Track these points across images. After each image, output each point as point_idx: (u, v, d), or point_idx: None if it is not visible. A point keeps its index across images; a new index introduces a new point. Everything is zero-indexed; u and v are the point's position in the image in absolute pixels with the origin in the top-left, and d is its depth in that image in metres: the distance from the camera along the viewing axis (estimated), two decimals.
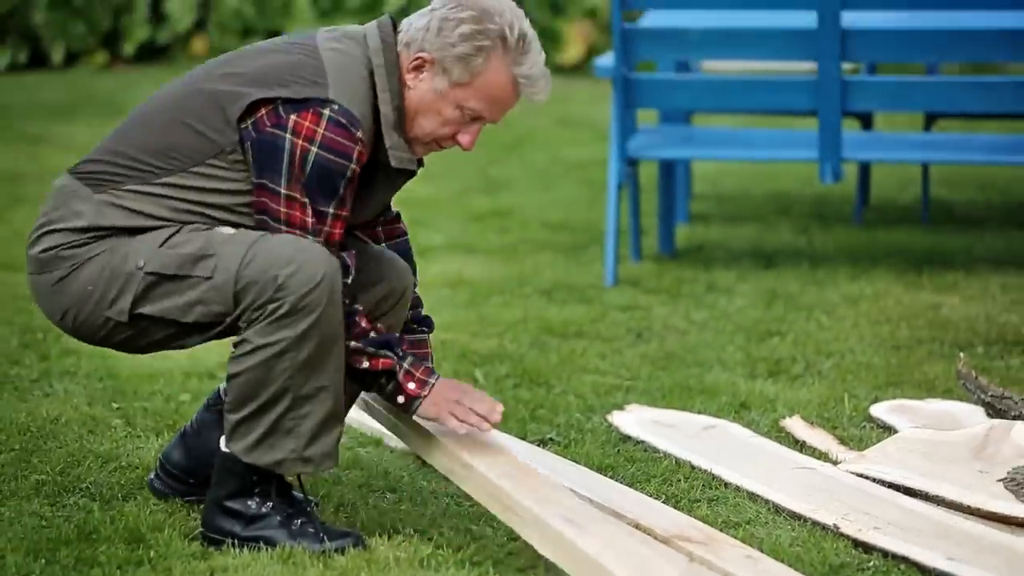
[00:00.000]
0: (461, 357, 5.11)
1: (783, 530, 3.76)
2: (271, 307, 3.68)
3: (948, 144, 6.86)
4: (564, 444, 4.38)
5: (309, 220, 3.69)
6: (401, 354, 3.75)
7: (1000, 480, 3.94)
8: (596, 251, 6.50)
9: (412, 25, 3.71)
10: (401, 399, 3.75)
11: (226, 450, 3.73)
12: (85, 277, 3.82)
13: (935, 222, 7.15)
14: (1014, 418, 4.35)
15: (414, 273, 4.04)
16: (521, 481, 3.62)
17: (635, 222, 6.58)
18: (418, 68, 3.70)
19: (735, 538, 3.68)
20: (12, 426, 4.46)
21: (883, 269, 6.24)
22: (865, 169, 7.27)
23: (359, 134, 3.62)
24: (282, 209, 3.68)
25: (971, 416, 4.46)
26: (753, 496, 4.01)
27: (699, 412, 4.61)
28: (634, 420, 4.50)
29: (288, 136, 3.60)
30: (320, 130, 3.62)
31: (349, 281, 3.75)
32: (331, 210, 3.67)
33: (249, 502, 3.72)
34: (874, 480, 4.05)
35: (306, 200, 3.67)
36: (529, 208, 7.46)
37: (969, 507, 3.86)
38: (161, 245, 3.77)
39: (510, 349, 5.19)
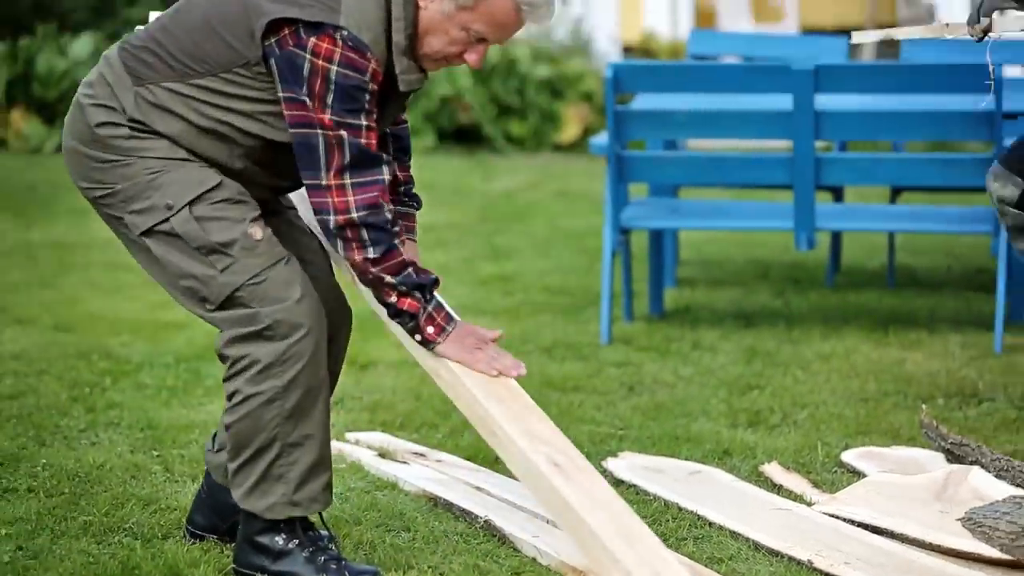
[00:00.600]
0: None
1: (762, 565, 3.76)
2: (251, 334, 3.67)
3: (912, 215, 6.88)
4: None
5: (344, 131, 3.62)
6: (428, 298, 3.77)
7: (959, 520, 3.94)
8: (592, 312, 6.51)
9: None
10: (418, 338, 3.79)
11: None
12: (125, 173, 3.75)
13: (900, 286, 7.16)
14: (971, 463, 4.36)
15: (408, 155, 4.09)
16: (510, 407, 3.68)
17: (627, 286, 6.59)
18: None
19: (719, 572, 3.68)
20: (62, 472, 4.46)
21: (853, 328, 6.25)
22: (836, 237, 7.28)
23: (369, 54, 3.58)
24: (315, 116, 3.62)
25: (933, 462, 4.47)
26: (735, 535, 4.01)
27: (686, 459, 4.61)
28: (626, 466, 4.50)
29: (308, 56, 3.56)
30: (337, 51, 3.57)
31: (388, 177, 3.70)
32: (363, 122, 3.63)
33: (276, 538, 3.70)
34: (845, 520, 4.05)
35: (335, 117, 3.63)
36: (531, 273, 7.47)
37: (931, 544, 3.86)
38: (195, 201, 3.72)
39: None
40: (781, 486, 4.37)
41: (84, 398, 5.24)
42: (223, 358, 3.75)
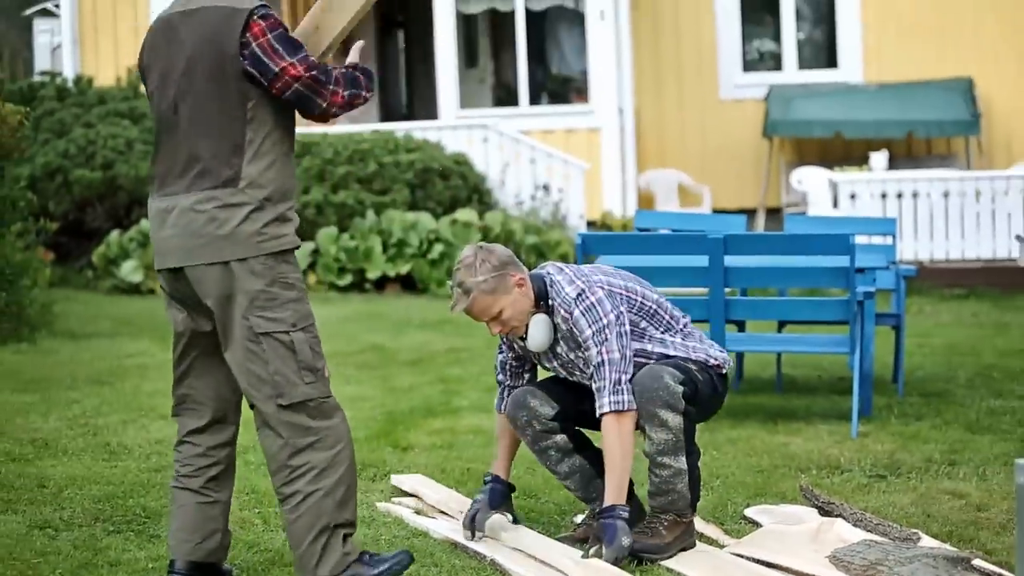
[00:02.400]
0: (479, 480, 5.06)
1: None
2: (307, 445, 3.64)
3: (793, 340, 6.92)
4: (547, 533, 4.36)
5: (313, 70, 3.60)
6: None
7: (827, 556, 3.94)
8: None
9: None
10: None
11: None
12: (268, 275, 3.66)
13: (785, 390, 7.17)
14: (836, 516, 4.37)
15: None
16: None
17: None
18: None
19: None
20: None
21: (752, 420, 6.25)
22: (740, 356, 7.31)
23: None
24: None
25: (809, 515, 4.47)
26: (670, 570, 4.01)
27: None
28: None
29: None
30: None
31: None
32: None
33: None
34: (747, 558, 4.05)
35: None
36: None
37: (807, 575, 3.87)
38: (308, 328, 3.69)
39: (512, 473, 5.17)
40: (702, 534, 4.36)
41: None
42: (286, 468, 3.65)
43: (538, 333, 4.10)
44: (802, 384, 7.38)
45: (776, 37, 15.50)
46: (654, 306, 4.20)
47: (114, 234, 12.44)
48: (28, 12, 23.35)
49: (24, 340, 8.75)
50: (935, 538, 4.22)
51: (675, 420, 4.02)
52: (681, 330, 4.23)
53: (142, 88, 13.96)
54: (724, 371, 4.25)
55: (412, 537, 4.34)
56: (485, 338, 9.12)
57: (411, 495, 4.85)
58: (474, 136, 13.53)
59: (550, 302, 4.12)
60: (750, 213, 14.30)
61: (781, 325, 7.33)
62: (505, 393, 4.34)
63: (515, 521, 4.34)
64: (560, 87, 15.65)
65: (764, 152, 14.98)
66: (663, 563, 4.01)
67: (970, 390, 6.97)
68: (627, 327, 4.07)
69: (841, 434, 5.91)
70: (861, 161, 14.35)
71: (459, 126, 13.71)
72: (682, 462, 4.04)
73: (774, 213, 14.75)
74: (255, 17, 3.64)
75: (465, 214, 12.33)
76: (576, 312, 4.05)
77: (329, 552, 3.65)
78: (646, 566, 4.02)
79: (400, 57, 18.32)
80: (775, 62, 15.53)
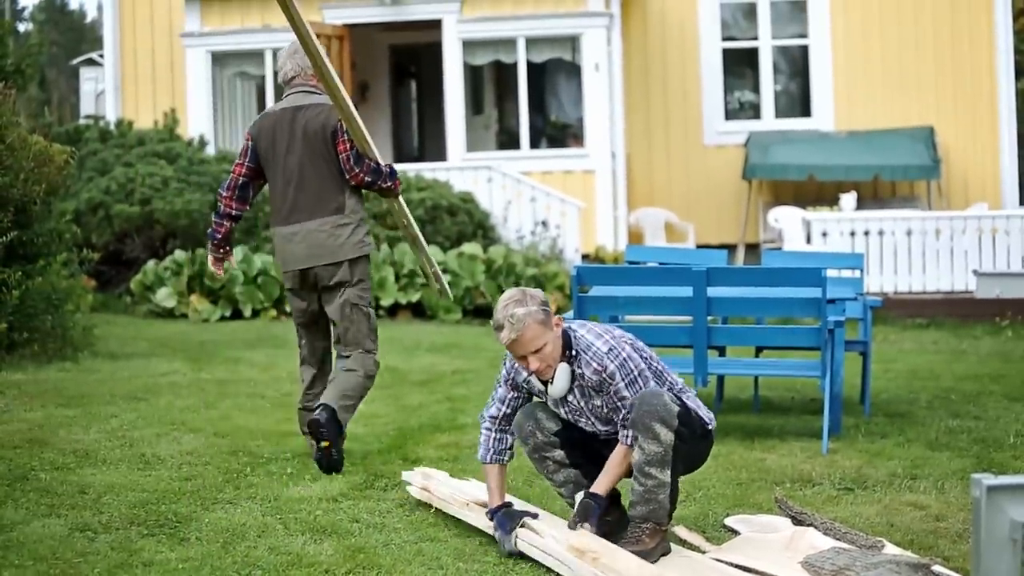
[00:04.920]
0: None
1: None
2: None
3: (769, 365, 6.92)
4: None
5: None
6: None
7: (799, 562, 3.93)
8: None
9: None
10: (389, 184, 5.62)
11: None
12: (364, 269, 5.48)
13: (762, 410, 7.17)
14: (808, 525, 4.35)
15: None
16: None
17: None
18: None
19: None
20: (218, 528, 4.47)
21: (731, 438, 6.24)
22: (721, 379, 7.32)
23: None
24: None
25: (783, 524, 4.46)
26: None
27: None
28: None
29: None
30: None
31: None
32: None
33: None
34: (727, 563, 4.04)
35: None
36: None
37: None
38: (366, 305, 5.52)
39: (512, 484, 5.14)
40: (686, 541, 4.34)
41: (232, 480, 5.25)
42: (351, 379, 5.41)
43: (561, 380, 4.12)
44: (777, 405, 7.37)
45: (755, 89, 15.57)
46: (659, 366, 4.25)
47: (150, 263, 12.47)
48: (75, 61, 23.49)
49: (68, 360, 8.76)
50: (898, 546, 4.22)
51: (667, 436, 4.02)
52: (681, 390, 4.25)
53: (178, 131, 14.08)
54: (711, 428, 4.25)
55: (420, 542, 4.33)
56: (488, 360, 9.13)
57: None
58: (479, 176, 13.58)
59: (574, 352, 4.12)
60: (731, 248, 14.33)
61: (758, 350, 7.33)
62: (490, 443, 4.32)
63: (535, 516, 4.29)
64: (558, 132, 15.72)
65: (744, 193, 15.02)
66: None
67: (930, 411, 6.97)
68: (648, 375, 4.13)
69: (813, 450, 5.90)
70: (832, 202, 14.40)
71: (466, 167, 13.76)
72: (667, 475, 4.04)
73: (753, 248, 14.78)
74: (342, 134, 5.38)
75: (471, 247, 12.35)
76: (611, 367, 4.06)
77: (345, 413, 5.36)
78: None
79: (413, 104, 18.39)
80: (754, 111, 15.59)
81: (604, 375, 4.06)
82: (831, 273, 8.33)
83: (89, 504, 4.78)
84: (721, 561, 4.05)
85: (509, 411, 4.30)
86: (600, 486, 4.12)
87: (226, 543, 4.29)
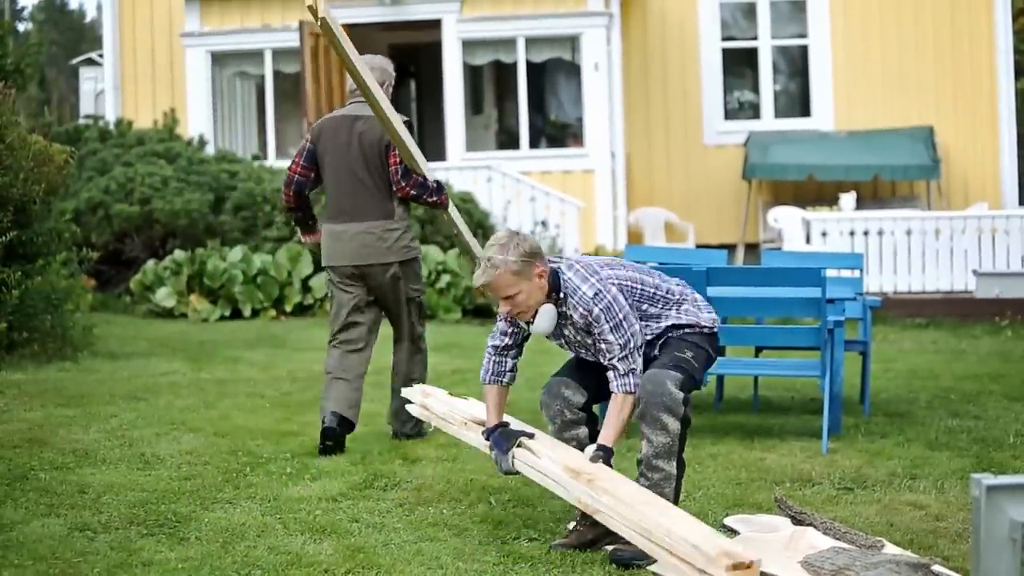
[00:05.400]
0: (481, 490, 5.11)
1: None
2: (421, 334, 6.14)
3: (768, 365, 6.92)
4: (542, 546, 4.32)
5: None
6: None
7: (799, 562, 3.94)
8: None
9: None
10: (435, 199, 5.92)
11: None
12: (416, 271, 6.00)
13: (762, 410, 7.17)
14: (808, 525, 4.36)
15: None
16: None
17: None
18: None
19: None
20: (217, 527, 4.48)
21: (731, 437, 6.25)
22: (721, 379, 7.31)
23: None
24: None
25: (783, 524, 4.46)
26: (655, 574, 3.99)
27: None
28: None
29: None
30: None
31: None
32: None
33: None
34: None
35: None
36: (523, 400, 7.47)
37: None
38: (420, 296, 6.09)
39: (511, 484, 5.18)
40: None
41: (232, 480, 5.25)
42: (409, 363, 6.05)
43: (542, 321, 4.25)
44: (777, 404, 7.38)
45: (755, 89, 15.57)
46: (652, 289, 4.36)
47: (150, 263, 12.46)
48: (75, 61, 23.48)
49: (67, 359, 8.76)
50: (898, 545, 4.22)
51: (674, 425, 4.13)
52: (677, 302, 4.38)
53: (177, 131, 14.08)
54: (715, 330, 4.41)
55: (420, 542, 4.34)
56: None
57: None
58: (479, 176, 13.58)
59: (562, 294, 4.24)
60: (731, 248, 14.33)
61: (758, 350, 7.33)
62: (490, 366, 4.48)
63: (532, 436, 4.42)
64: (558, 132, 15.71)
65: (743, 193, 15.02)
66: (649, 567, 4.00)
67: (930, 411, 6.97)
68: (636, 316, 4.25)
69: (812, 450, 5.90)
70: (832, 202, 14.40)
71: (465, 167, 13.76)
72: (673, 467, 4.13)
73: (752, 248, 14.78)
74: (393, 149, 5.79)
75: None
76: (596, 310, 4.18)
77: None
78: (634, 569, 4.01)
79: (412, 104, 18.39)
80: (754, 111, 15.59)
81: (590, 319, 4.20)
82: (831, 273, 8.33)
83: (88, 504, 4.78)
84: None
85: (510, 342, 4.47)
86: (606, 438, 4.20)
87: (226, 543, 4.29)
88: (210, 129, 14.38)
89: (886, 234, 12.22)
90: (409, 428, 6.06)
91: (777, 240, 14.06)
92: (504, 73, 15.84)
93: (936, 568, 3.81)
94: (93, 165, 13.26)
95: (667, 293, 4.38)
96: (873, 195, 14.87)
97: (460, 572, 4.00)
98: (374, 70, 5.67)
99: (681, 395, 4.15)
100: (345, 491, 5.03)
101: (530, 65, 14.30)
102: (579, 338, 4.31)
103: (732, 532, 4.46)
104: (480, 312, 12.06)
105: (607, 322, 4.17)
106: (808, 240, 12.49)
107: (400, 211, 5.87)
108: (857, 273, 8.02)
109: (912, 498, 4.93)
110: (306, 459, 5.64)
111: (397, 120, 5.54)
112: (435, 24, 14.27)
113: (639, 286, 4.32)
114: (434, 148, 16.56)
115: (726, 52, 15.36)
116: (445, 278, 11.88)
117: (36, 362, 8.55)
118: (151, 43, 15.18)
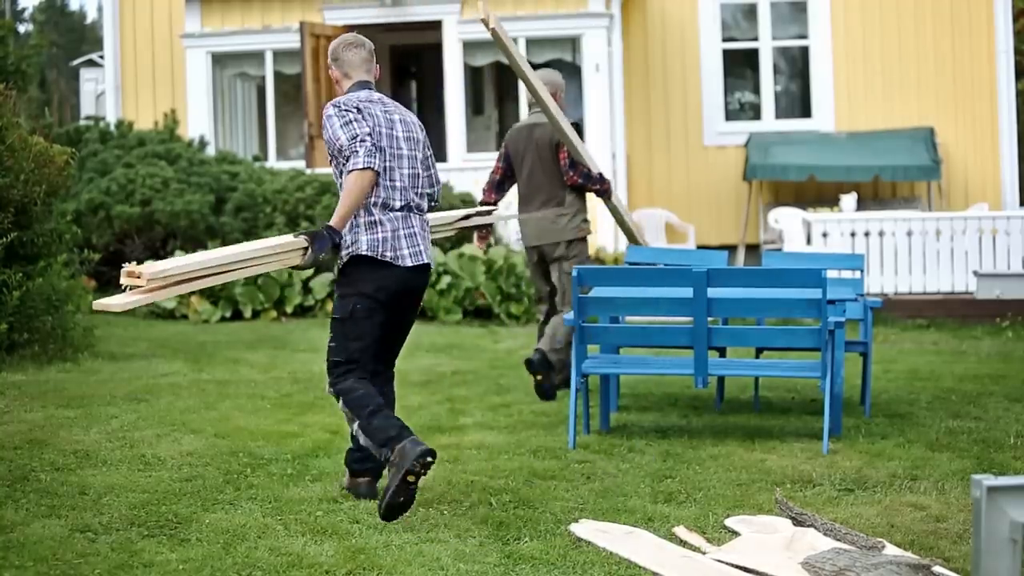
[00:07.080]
0: (482, 491, 5.10)
1: None
2: None
3: (769, 365, 6.89)
4: (543, 547, 4.33)
5: None
6: None
7: (799, 563, 3.94)
8: (563, 427, 6.52)
9: None
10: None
11: None
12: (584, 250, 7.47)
13: (762, 411, 7.18)
14: (808, 526, 4.36)
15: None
16: None
17: (586, 410, 6.59)
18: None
19: None
20: (218, 528, 4.48)
21: (732, 438, 6.26)
22: (721, 380, 7.32)
23: None
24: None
25: (784, 525, 4.47)
26: (656, 574, 4.00)
27: (623, 523, 4.60)
28: (584, 529, 4.49)
29: None
30: None
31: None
32: None
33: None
34: (727, 563, 4.05)
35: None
36: (523, 403, 7.48)
37: None
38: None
39: (512, 485, 5.20)
40: (686, 542, 4.36)
41: (233, 481, 5.25)
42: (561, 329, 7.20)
43: None
44: (777, 405, 7.38)
45: (756, 90, 15.57)
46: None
47: None
48: (75, 62, 23.49)
49: (68, 360, 8.76)
50: (898, 546, 4.22)
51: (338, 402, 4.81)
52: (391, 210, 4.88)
53: (178, 132, 14.09)
54: (376, 257, 4.83)
55: (420, 543, 4.34)
56: (488, 361, 9.14)
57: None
58: (480, 177, 13.57)
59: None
60: (731, 249, 14.33)
61: (759, 351, 7.33)
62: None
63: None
64: None
65: (744, 194, 15.02)
66: (649, 567, 4.00)
67: (930, 412, 6.97)
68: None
69: (813, 451, 5.91)
70: (832, 202, 14.40)
71: (466, 168, 13.76)
72: (355, 429, 4.68)
73: (753, 249, 14.78)
74: (562, 147, 7.27)
75: (471, 248, 12.34)
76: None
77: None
78: (634, 568, 4.01)
79: (413, 105, 18.39)
80: (755, 112, 15.59)
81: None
82: (831, 274, 8.33)
83: (89, 505, 4.78)
84: (721, 562, 4.06)
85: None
86: (335, 220, 4.65)
87: (226, 544, 4.29)
88: (211, 130, 14.38)
89: (887, 235, 12.22)
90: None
91: (778, 241, 14.06)
92: (505, 74, 15.85)
93: (937, 569, 3.82)
94: (94, 166, 13.27)
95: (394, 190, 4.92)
96: (874, 196, 14.87)
97: (461, 573, 4.00)
98: (546, 84, 7.13)
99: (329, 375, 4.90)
100: (345, 492, 5.03)
101: (531, 66, 14.26)
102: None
103: (734, 533, 4.46)
104: (480, 313, 12.06)
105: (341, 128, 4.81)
106: (809, 241, 12.49)
107: (571, 199, 7.24)
108: (858, 274, 8.03)
109: (913, 499, 4.93)
110: (307, 460, 5.64)
111: (566, 122, 7.04)
112: (436, 25, 14.27)
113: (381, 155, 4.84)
114: (435, 149, 16.54)
115: (727, 53, 15.36)
116: (446, 279, 11.88)
117: (37, 363, 8.56)
118: (152, 44, 15.18)
